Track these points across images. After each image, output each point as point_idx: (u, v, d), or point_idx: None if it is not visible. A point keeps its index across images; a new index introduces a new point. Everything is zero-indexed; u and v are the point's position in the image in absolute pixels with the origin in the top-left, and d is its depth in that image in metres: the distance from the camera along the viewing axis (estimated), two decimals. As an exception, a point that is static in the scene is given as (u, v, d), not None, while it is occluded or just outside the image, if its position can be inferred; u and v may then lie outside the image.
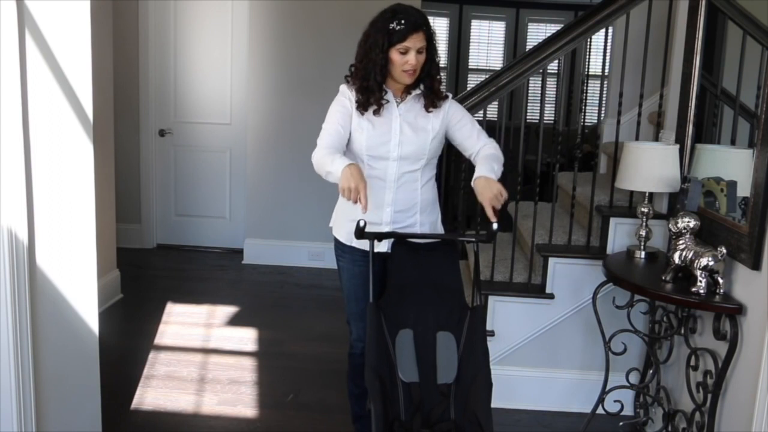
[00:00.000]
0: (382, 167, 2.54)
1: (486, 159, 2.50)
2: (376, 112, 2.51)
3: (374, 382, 2.23)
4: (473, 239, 2.52)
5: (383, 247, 2.55)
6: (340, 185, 2.27)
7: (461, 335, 2.41)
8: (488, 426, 2.23)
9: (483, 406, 2.26)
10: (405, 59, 2.44)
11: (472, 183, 2.44)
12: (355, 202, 2.25)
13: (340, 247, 2.66)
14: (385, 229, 2.54)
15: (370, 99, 2.50)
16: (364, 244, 2.49)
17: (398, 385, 2.33)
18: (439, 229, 2.73)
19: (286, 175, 5.44)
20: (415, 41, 2.43)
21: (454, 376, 2.37)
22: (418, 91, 2.56)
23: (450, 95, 2.65)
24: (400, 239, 2.48)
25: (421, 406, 2.35)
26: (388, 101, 2.53)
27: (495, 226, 2.37)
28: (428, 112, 2.56)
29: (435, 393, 2.36)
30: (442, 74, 2.62)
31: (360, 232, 2.32)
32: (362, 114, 2.53)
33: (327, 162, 2.37)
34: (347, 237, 2.59)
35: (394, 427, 2.27)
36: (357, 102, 2.52)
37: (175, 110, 5.80)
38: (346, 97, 2.55)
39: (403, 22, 2.42)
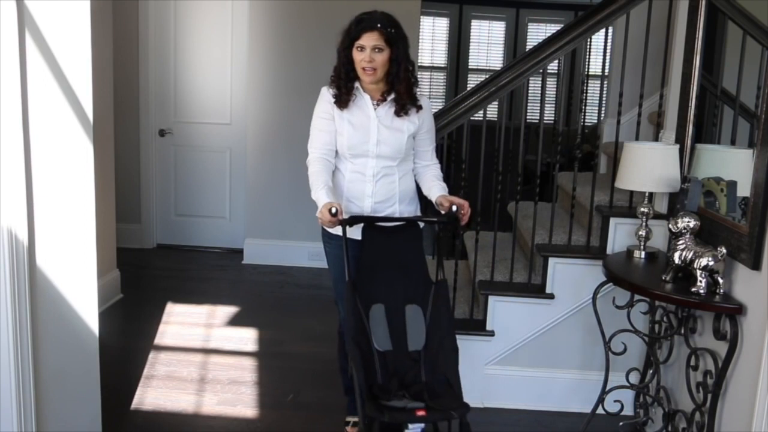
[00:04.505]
0: (362, 163, 2.79)
1: (440, 181, 2.88)
2: (348, 104, 2.75)
3: (355, 351, 2.49)
4: (435, 219, 2.80)
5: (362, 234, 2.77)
6: (319, 215, 2.63)
7: (427, 307, 2.65)
8: (457, 385, 2.48)
9: (451, 369, 2.51)
10: (361, 56, 2.67)
11: (434, 200, 2.82)
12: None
13: (326, 235, 2.88)
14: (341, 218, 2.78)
15: (341, 92, 2.75)
16: (349, 233, 2.71)
17: (374, 354, 2.57)
18: None
19: (286, 175, 5.43)
20: (369, 39, 2.65)
21: (422, 343, 2.62)
22: (393, 96, 2.75)
23: (425, 106, 2.83)
24: (370, 223, 2.73)
25: (395, 371, 2.57)
26: (356, 96, 2.76)
27: (454, 208, 2.67)
28: (398, 116, 2.76)
29: (407, 359, 2.60)
30: (416, 77, 2.79)
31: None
32: (342, 112, 2.76)
33: (313, 187, 2.71)
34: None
35: (374, 390, 2.47)
36: (334, 97, 2.76)
37: (175, 110, 5.80)
38: (325, 100, 2.79)
39: (361, 22, 2.68)
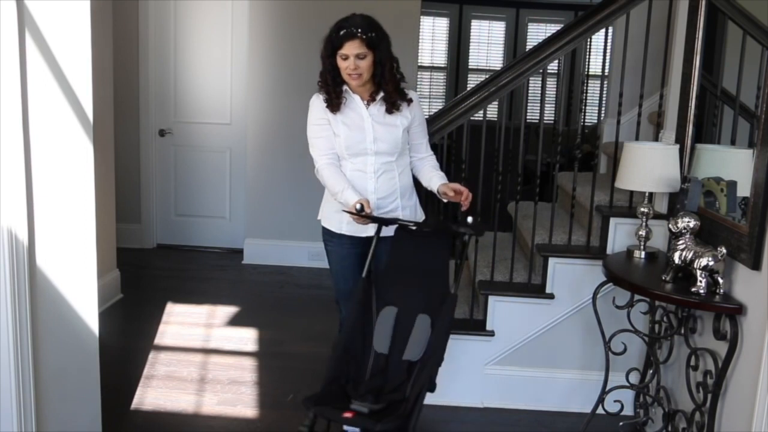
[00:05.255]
0: (362, 162, 2.82)
1: (438, 171, 2.93)
2: (339, 107, 2.79)
3: (339, 345, 2.55)
4: (467, 231, 2.67)
5: (370, 231, 2.78)
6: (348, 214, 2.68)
7: (437, 319, 2.60)
8: (414, 393, 2.38)
9: (422, 376, 2.44)
10: (346, 64, 2.72)
11: (436, 189, 2.85)
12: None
13: (328, 233, 2.93)
14: (373, 213, 2.77)
15: (331, 96, 2.79)
16: (351, 231, 2.79)
17: (371, 353, 2.61)
18: (419, 212, 3.01)
19: (286, 175, 5.44)
20: (351, 48, 2.69)
21: (419, 355, 2.56)
22: (382, 95, 2.81)
23: (414, 99, 2.87)
24: (403, 226, 2.73)
25: (385, 374, 2.58)
26: (346, 99, 2.80)
27: (470, 219, 2.65)
28: (389, 113, 2.81)
29: (399, 367, 2.58)
30: (401, 73, 2.83)
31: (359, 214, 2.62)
32: (335, 116, 2.80)
33: (338, 190, 2.75)
34: (337, 226, 2.87)
35: (348, 388, 2.51)
36: (325, 102, 2.80)
37: (175, 110, 5.80)
38: (317, 106, 2.83)
39: (341, 31, 2.71)
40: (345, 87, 2.80)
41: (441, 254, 2.71)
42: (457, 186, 2.77)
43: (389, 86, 2.77)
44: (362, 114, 2.81)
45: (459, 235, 2.71)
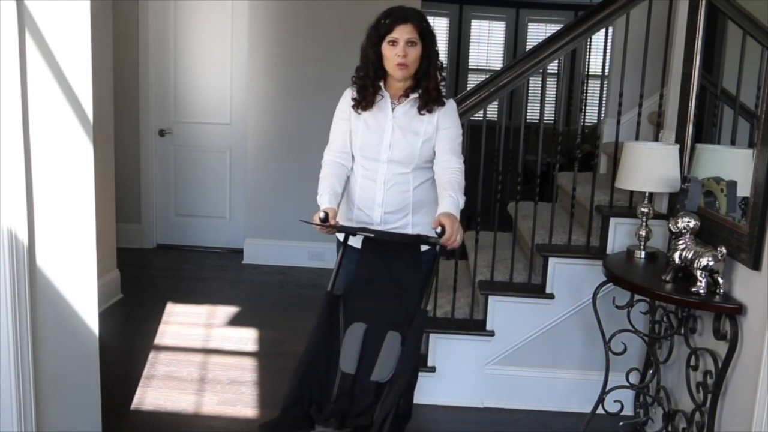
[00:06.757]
0: (373, 168, 2.63)
1: (452, 189, 2.51)
2: (372, 105, 2.61)
3: (303, 362, 2.41)
4: (434, 241, 2.44)
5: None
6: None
7: (407, 336, 2.42)
8: (381, 416, 2.23)
9: (390, 398, 2.27)
10: (395, 51, 2.52)
11: (437, 213, 2.46)
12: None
13: (337, 242, 2.76)
14: (378, 228, 2.60)
15: (365, 96, 2.60)
16: (356, 242, 2.59)
17: (337, 373, 2.44)
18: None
19: (286, 175, 5.44)
20: (403, 32, 2.50)
21: (388, 376, 2.39)
22: (416, 95, 2.60)
23: (449, 105, 2.66)
24: (369, 237, 2.54)
25: (352, 396, 2.41)
26: (382, 96, 2.62)
27: (438, 229, 2.37)
28: (420, 114, 2.59)
29: (367, 388, 2.40)
30: (443, 76, 2.65)
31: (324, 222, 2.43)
32: (359, 114, 2.63)
33: (320, 191, 2.60)
34: (343, 236, 2.65)
35: (311, 411, 2.35)
36: (353, 100, 2.63)
37: (175, 110, 5.80)
38: (344, 101, 2.67)
39: (392, 15, 2.54)
40: (380, 83, 2.61)
41: (411, 266, 2.51)
42: (442, 220, 2.38)
43: (431, 84, 2.56)
44: (387, 114, 2.60)
45: (430, 245, 2.53)
